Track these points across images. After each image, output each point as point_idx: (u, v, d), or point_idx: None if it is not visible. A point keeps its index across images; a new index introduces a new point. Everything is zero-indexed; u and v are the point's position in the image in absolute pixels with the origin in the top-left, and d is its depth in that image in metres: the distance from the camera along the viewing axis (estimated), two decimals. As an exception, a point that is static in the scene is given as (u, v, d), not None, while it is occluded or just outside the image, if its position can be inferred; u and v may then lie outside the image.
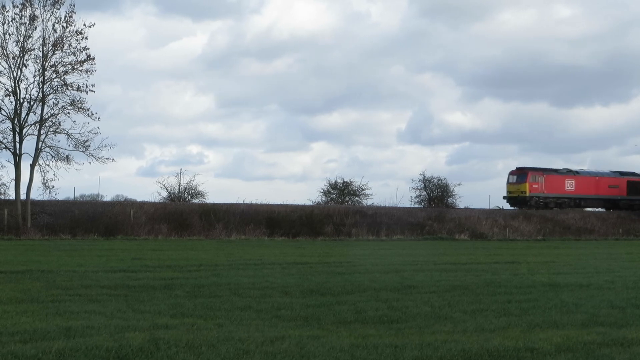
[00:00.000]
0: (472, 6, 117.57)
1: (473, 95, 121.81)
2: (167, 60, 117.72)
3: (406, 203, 62.45)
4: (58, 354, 8.65)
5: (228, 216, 46.93)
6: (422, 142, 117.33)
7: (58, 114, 43.10)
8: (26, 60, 42.70)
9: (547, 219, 56.29)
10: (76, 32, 42.70)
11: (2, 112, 42.67)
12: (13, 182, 43.36)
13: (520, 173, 59.59)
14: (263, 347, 9.23)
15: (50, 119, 43.03)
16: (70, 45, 42.70)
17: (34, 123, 43.05)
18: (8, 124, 42.79)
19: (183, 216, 46.16)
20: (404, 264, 24.02)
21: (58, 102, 43.07)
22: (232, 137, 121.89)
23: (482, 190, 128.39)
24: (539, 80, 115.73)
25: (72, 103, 42.84)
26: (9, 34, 42.10)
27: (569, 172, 61.42)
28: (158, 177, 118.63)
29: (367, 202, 61.34)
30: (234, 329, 10.51)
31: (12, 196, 44.01)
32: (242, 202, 52.37)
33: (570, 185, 60.48)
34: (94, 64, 43.05)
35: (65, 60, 42.86)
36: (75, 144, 42.90)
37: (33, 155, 42.76)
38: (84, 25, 42.99)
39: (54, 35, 42.54)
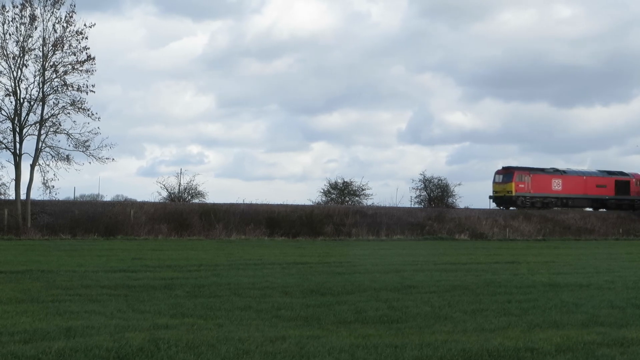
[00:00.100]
0: (472, 6, 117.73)
1: (473, 95, 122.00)
2: (167, 60, 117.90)
3: (406, 203, 62.58)
4: (58, 354, 8.64)
5: (228, 216, 46.94)
6: (422, 142, 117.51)
7: (58, 114, 43.23)
8: (26, 60, 42.80)
9: (547, 219, 56.29)
10: (76, 32, 42.77)
11: (2, 112, 42.81)
12: (13, 182, 43.51)
13: (507, 172, 59.04)
14: (263, 347, 9.23)
15: (50, 119, 43.13)
16: (70, 45, 42.79)
17: (34, 123, 43.14)
18: (8, 124, 42.94)
19: (183, 216, 46.17)
20: (404, 264, 24.02)
21: (58, 102, 43.21)
22: (232, 137, 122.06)
23: (482, 190, 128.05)
24: (539, 80, 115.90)
25: (73, 103, 42.90)
26: (9, 34, 42.19)
27: (556, 172, 60.90)
28: (158, 177, 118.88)
29: (367, 202, 61.49)
30: (234, 329, 10.51)
31: (12, 196, 44.11)
32: (242, 202, 52.47)
33: (557, 184, 60.03)
34: (94, 63, 43.14)
35: (65, 60, 42.95)
36: (76, 144, 43.00)
37: (33, 155, 42.83)
38: (84, 25, 43.11)
39: (54, 35, 42.64)
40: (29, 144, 44.04)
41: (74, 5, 42.94)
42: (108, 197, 60.53)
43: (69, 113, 43.13)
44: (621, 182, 63.25)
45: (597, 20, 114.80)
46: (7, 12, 41.98)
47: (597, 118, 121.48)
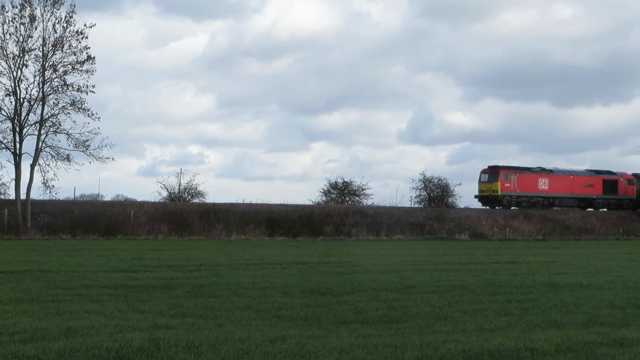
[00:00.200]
0: (472, 6, 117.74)
1: (473, 95, 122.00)
2: (167, 60, 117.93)
3: (406, 203, 62.52)
4: (58, 354, 8.64)
5: (228, 216, 46.93)
6: (422, 142, 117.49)
7: (58, 114, 43.20)
8: (26, 60, 42.77)
9: (547, 219, 56.28)
10: (76, 32, 42.74)
11: (2, 112, 42.78)
12: (13, 182, 43.47)
13: (492, 172, 58.51)
14: (263, 347, 9.23)
15: (50, 119, 43.09)
16: (70, 45, 42.77)
17: (34, 123, 43.11)
18: (8, 124, 42.90)
19: (183, 216, 46.16)
20: (404, 264, 24.02)
21: (58, 102, 43.17)
22: (233, 137, 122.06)
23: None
24: (539, 81, 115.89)
25: (73, 103, 42.88)
26: (9, 34, 42.18)
27: (542, 171, 60.36)
28: (158, 177, 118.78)
29: (367, 202, 61.45)
30: (234, 329, 10.51)
31: (12, 196, 44.09)
32: (242, 202, 52.45)
33: (543, 184, 59.55)
34: (94, 63, 43.11)
35: (65, 60, 42.93)
36: (76, 144, 42.97)
37: (33, 155, 42.81)
38: (85, 25, 43.08)
39: (54, 35, 42.60)
40: (29, 144, 44.10)
41: (74, 5, 42.97)
42: (108, 197, 60.62)
43: (69, 113, 43.17)
44: (609, 181, 62.70)
45: (597, 20, 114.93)
46: (7, 12, 42.03)
47: (597, 118, 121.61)
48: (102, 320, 11.12)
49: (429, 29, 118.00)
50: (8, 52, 42.28)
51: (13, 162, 43.13)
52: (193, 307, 12.77)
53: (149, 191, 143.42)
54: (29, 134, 43.15)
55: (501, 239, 50.56)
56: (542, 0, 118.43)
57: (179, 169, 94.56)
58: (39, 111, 42.86)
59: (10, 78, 42.59)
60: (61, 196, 47.32)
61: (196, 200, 57.03)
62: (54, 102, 43.06)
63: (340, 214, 50.43)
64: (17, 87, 42.66)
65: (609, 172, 63.98)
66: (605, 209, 61.93)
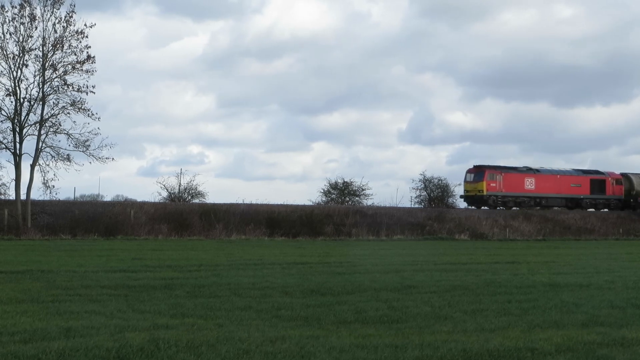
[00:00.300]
0: (472, 6, 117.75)
1: (474, 95, 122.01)
2: (167, 60, 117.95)
3: (406, 203, 62.52)
4: (58, 354, 8.64)
5: (228, 216, 46.93)
6: (422, 142, 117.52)
7: (58, 114, 43.16)
8: (26, 60, 42.75)
9: (547, 219, 56.27)
10: (76, 32, 42.73)
11: (2, 112, 42.75)
12: (13, 182, 43.44)
13: (478, 171, 57.94)
14: (263, 347, 9.23)
15: (50, 119, 43.07)
16: (70, 45, 42.75)
17: (34, 123, 43.08)
18: (8, 124, 42.86)
19: (183, 216, 46.16)
20: (404, 264, 24.02)
21: (58, 102, 43.13)
22: (233, 137, 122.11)
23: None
24: (539, 81, 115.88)
25: (73, 103, 42.85)
26: (9, 34, 42.17)
27: (529, 171, 59.84)
28: (158, 177, 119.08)
29: (367, 202, 61.47)
30: (234, 329, 10.51)
31: (12, 196, 44.08)
32: (242, 202, 52.44)
33: (530, 184, 58.97)
34: (94, 63, 43.09)
35: (65, 60, 42.91)
36: (76, 144, 42.94)
37: (33, 155, 42.78)
38: (85, 25, 43.05)
39: (54, 35, 42.58)
40: (29, 144, 44.06)
41: (74, 5, 42.93)
42: (108, 197, 60.63)
43: (69, 113, 43.15)
44: (597, 181, 62.16)
45: (597, 20, 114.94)
46: (7, 12, 42.02)
47: (597, 118, 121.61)
48: (102, 320, 11.12)
49: (429, 29, 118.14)
50: (8, 52, 42.32)
51: (13, 162, 43.16)
52: (193, 307, 12.77)
53: (149, 191, 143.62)
54: (29, 134, 43.17)
55: (501, 239, 50.55)
56: (542, 0, 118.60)
57: (179, 169, 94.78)
58: (39, 111, 42.90)
59: (10, 78, 42.61)
60: (61, 196, 47.43)
61: (196, 201, 57.09)
62: (54, 102, 43.09)
63: (340, 214, 50.44)
64: (17, 87, 42.68)
65: (597, 172, 63.51)
66: (592, 209, 61.73)
